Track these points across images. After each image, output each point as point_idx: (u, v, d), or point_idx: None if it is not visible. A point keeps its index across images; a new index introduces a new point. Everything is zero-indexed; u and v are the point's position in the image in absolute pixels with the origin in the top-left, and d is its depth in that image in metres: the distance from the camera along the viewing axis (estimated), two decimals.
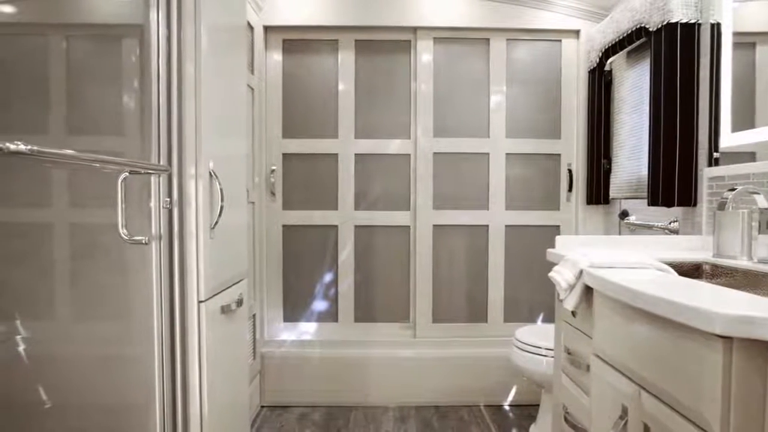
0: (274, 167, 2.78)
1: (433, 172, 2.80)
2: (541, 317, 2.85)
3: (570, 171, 2.81)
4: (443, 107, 2.80)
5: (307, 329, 2.85)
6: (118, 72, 1.39)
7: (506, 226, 2.82)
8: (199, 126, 1.46)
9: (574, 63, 2.78)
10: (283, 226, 2.81)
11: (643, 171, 2.28)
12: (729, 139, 1.76)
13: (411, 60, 2.80)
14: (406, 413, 2.61)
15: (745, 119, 1.72)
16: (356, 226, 2.82)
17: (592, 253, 1.41)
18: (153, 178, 1.38)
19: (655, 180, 2.03)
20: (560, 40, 2.79)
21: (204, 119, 1.47)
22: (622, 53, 2.45)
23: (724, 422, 0.80)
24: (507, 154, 2.81)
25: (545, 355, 2.07)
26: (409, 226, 2.83)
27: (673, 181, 1.97)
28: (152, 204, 1.39)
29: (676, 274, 1.26)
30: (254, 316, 2.65)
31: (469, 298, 2.85)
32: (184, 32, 1.43)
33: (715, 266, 1.49)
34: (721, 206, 1.46)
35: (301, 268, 2.83)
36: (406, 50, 2.80)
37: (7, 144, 0.72)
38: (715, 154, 1.84)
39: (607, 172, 2.62)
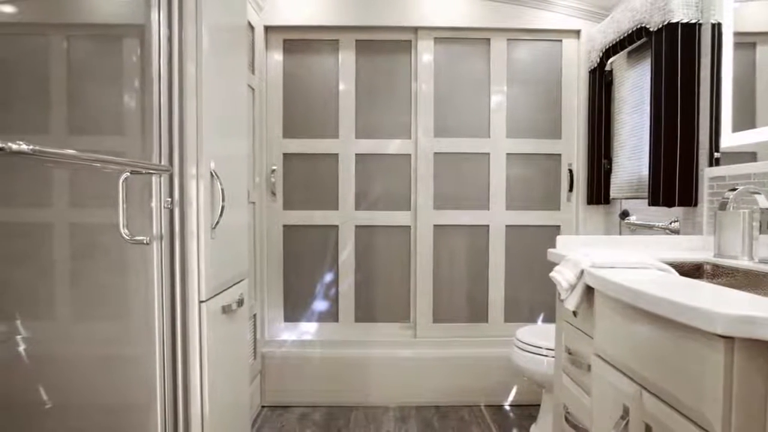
0: (274, 167, 2.78)
1: (434, 172, 2.80)
2: (541, 317, 2.85)
3: (570, 171, 2.81)
4: (444, 107, 2.80)
5: (307, 329, 2.85)
6: (120, 72, 1.39)
7: (507, 226, 2.82)
8: (200, 126, 1.46)
9: (575, 63, 2.78)
10: (284, 226, 2.82)
11: (644, 171, 2.28)
12: (730, 139, 1.76)
13: (411, 60, 2.80)
14: (406, 413, 2.61)
15: (745, 119, 1.72)
16: (357, 226, 2.82)
17: (593, 253, 1.41)
18: (154, 178, 1.38)
19: (656, 180, 2.03)
20: (561, 40, 2.79)
21: (205, 119, 1.47)
22: (623, 53, 2.45)
23: (725, 422, 0.80)
24: (507, 154, 2.81)
25: (546, 355, 2.07)
26: (409, 226, 2.83)
27: (673, 181, 1.96)
28: (153, 204, 1.39)
29: (677, 274, 1.26)
30: (255, 316, 2.65)
31: (469, 298, 2.85)
32: (186, 32, 1.43)
33: (716, 266, 1.49)
34: (722, 206, 1.46)
35: (301, 268, 2.83)
36: (407, 50, 2.80)
37: (10, 144, 0.72)
38: (716, 154, 1.84)
39: (608, 172, 2.62)
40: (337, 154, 2.80)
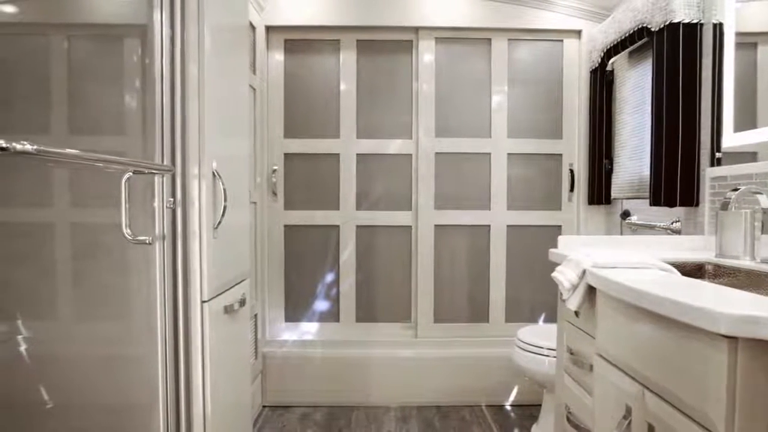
0: (275, 167, 2.78)
1: (435, 172, 2.80)
2: (542, 317, 2.85)
3: (572, 171, 2.81)
4: (445, 107, 2.80)
5: (308, 329, 2.85)
6: (121, 72, 1.39)
7: (508, 226, 2.82)
8: (202, 126, 1.46)
9: (576, 63, 2.78)
10: (285, 226, 2.82)
11: (645, 171, 2.28)
12: (731, 139, 1.76)
13: (413, 60, 2.80)
14: (407, 413, 2.61)
15: (747, 119, 1.72)
16: (358, 226, 2.82)
17: (594, 253, 1.41)
18: (156, 178, 1.38)
19: (657, 180, 2.03)
20: (562, 40, 2.79)
21: (207, 119, 1.48)
22: (624, 53, 2.45)
23: (728, 422, 0.80)
24: (509, 154, 2.81)
25: (547, 355, 2.07)
26: (410, 226, 2.83)
27: (675, 181, 1.97)
28: (156, 204, 1.39)
29: (679, 274, 1.27)
30: (256, 316, 2.65)
31: (470, 298, 2.85)
32: (188, 32, 1.43)
33: (717, 266, 1.49)
34: (724, 206, 1.46)
35: (302, 268, 2.83)
36: (408, 50, 2.80)
37: (14, 144, 0.72)
38: (718, 154, 1.84)
39: (609, 172, 2.62)
40: (338, 154, 2.80)
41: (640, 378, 1.06)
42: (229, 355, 1.66)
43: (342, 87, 2.79)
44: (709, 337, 0.83)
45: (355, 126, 2.80)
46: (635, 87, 2.40)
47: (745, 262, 1.42)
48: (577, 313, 1.51)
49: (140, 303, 1.41)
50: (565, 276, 1.44)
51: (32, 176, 1.16)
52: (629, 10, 2.27)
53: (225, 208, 1.55)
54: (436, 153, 2.79)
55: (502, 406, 2.69)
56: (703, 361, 0.86)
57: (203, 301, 1.48)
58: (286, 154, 2.80)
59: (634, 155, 2.41)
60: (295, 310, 2.85)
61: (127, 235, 1.17)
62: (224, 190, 1.55)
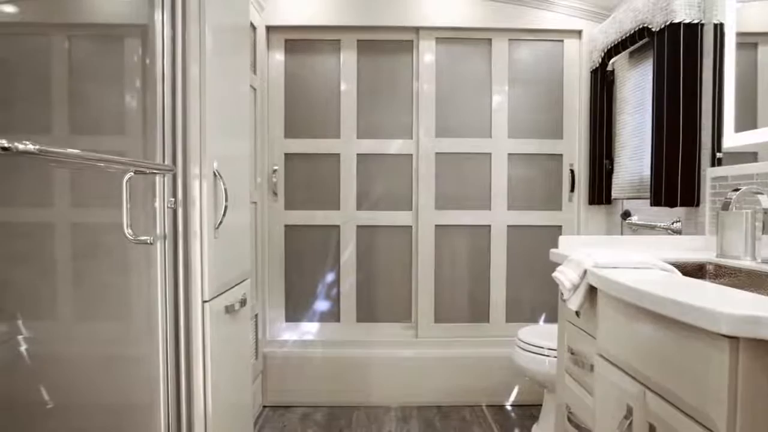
0: (276, 167, 2.78)
1: (436, 172, 2.80)
2: (543, 317, 2.85)
3: (572, 171, 2.81)
4: (445, 107, 2.80)
5: (309, 329, 2.85)
6: (122, 72, 1.39)
7: (508, 226, 2.82)
8: (203, 126, 1.46)
9: (577, 63, 2.78)
10: (285, 226, 2.82)
11: (646, 171, 2.28)
12: (732, 139, 1.76)
13: (413, 60, 2.80)
14: (408, 413, 2.61)
15: (747, 119, 1.72)
16: (358, 226, 2.82)
17: (596, 253, 1.41)
18: (158, 178, 1.38)
19: (658, 180, 2.03)
20: (562, 41, 2.79)
21: (208, 119, 1.48)
22: (625, 53, 2.45)
23: (730, 422, 0.81)
24: (509, 154, 2.81)
25: (548, 355, 2.07)
26: (411, 226, 2.83)
27: (675, 182, 1.97)
28: (157, 204, 1.39)
29: (680, 274, 1.27)
30: (256, 316, 2.65)
31: (471, 298, 2.85)
32: (189, 33, 1.43)
33: (718, 266, 1.50)
34: (725, 206, 1.46)
35: (303, 268, 2.84)
36: (409, 50, 2.80)
37: (16, 144, 0.72)
38: (718, 155, 1.84)
39: (609, 173, 2.62)
40: (338, 154, 2.80)
41: (642, 378, 1.06)
42: (229, 355, 1.66)
43: (342, 87, 2.79)
44: (711, 337, 0.84)
45: (356, 126, 2.80)
46: (636, 87, 2.40)
47: (746, 263, 1.42)
48: (578, 313, 1.51)
49: (141, 303, 1.42)
50: (566, 276, 1.44)
51: (33, 176, 1.16)
52: (630, 10, 2.27)
53: (226, 208, 1.55)
54: (437, 153, 2.79)
55: (502, 406, 2.69)
56: (704, 361, 0.86)
57: (204, 301, 1.48)
58: (286, 154, 2.80)
59: (634, 155, 2.41)
60: (296, 310, 2.85)
61: (128, 235, 1.17)
62: (225, 190, 1.55)
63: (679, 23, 1.95)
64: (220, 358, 1.55)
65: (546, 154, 2.82)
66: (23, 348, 1.12)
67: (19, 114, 1.12)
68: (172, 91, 1.42)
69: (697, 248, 1.79)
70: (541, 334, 2.20)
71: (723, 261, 1.48)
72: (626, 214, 2.54)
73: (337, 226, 2.82)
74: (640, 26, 2.18)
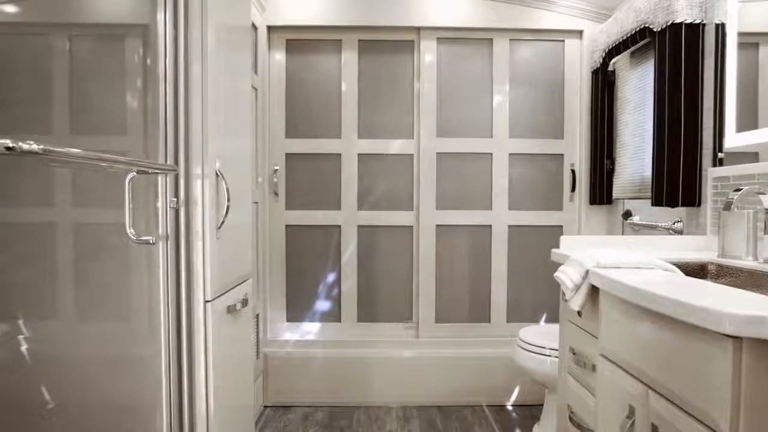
0: (277, 167, 2.78)
1: (436, 172, 2.80)
2: (544, 317, 2.85)
3: (573, 171, 2.81)
4: (446, 107, 2.80)
5: (310, 329, 2.85)
6: (125, 72, 1.39)
7: (509, 226, 2.82)
8: (205, 126, 1.46)
9: (578, 63, 2.78)
10: (286, 226, 2.82)
11: (647, 171, 2.28)
12: (734, 139, 1.76)
13: (414, 60, 2.80)
14: (409, 413, 2.61)
15: (749, 119, 1.72)
16: (359, 226, 2.82)
17: (597, 253, 1.41)
18: (160, 178, 1.38)
19: (659, 180, 2.03)
20: (563, 41, 2.79)
21: (210, 119, 1.48)
22: (626, 53, 2.45)
23: (733, 422, 0.81)
24: (510, 154, 2.81)
25: (549, 355, 2.07)
26: (412, 226, 2.83)
27: (677, 182, 1.97)
28: (159, 204, 1.39)
29: (682, 274, 1.27)
30: (257, 316, 2.65)
31: (472, 298, 2.85)
32: (191, 33, 1.43)
33: (720, 266, 1.50)
34: (727, 206, 1.46)
35: (304, 268, 2.84)
36: (410, 50, 2.80)
37: (20, 143, 0.72)
38: (720, 155, 1.84)
39: (610, 173, 2.62)
40: (339, 154, 2.80)
41: (644, 378, 1.06)
42: (231, 355, 1.66)
43: (343, 87, 2.79)
44: (714, 338, 0.84)
45: (357, 126, 2.80)
46: (637, 87, 2.40)
47: (748, 262, 1.42)
48: (579, 313, 1.51)
49: (143, 303, 1.42)
50: (567, 276, 1.44)
51: (36, 176, 1.16)
52: (631, 11, 2.27)
53: (228, 208, 1.55)
54: (438, 153, 2.79)
55: (503, 406, 2.69)
56: (707, 362, 0.86)
57: (206, 301, 1.48)
58: (287, 154, 2.80)
59: (635, 155, 2.41)
60: (297, 310, 2.85)
61: (130, 235, 1.17)
62: (227, 189, 1.55)
63: (681, 23, 1.95)
64: (221, 358, 1.55)
65: (547, 154, 2.82)
66: (25, 348, 1.12)
67: (21, 114, 1.12)
68: (174, 91, 1.42)
69: (699, 248, 1.79)
70: (542, 334, 2.20)
71: (725, 261, 1.48)
72: (627, 214, 2.54)
73: (338, 226, 2.82)
74: (642, 26, 2.18)
